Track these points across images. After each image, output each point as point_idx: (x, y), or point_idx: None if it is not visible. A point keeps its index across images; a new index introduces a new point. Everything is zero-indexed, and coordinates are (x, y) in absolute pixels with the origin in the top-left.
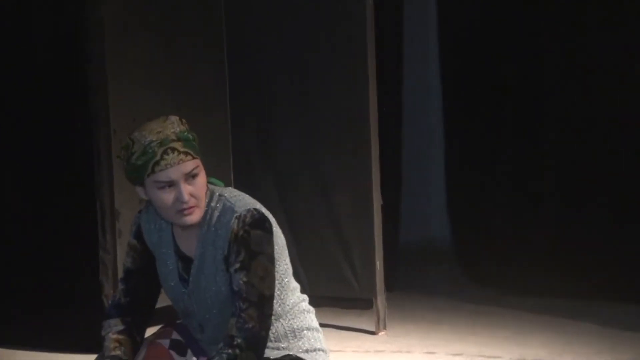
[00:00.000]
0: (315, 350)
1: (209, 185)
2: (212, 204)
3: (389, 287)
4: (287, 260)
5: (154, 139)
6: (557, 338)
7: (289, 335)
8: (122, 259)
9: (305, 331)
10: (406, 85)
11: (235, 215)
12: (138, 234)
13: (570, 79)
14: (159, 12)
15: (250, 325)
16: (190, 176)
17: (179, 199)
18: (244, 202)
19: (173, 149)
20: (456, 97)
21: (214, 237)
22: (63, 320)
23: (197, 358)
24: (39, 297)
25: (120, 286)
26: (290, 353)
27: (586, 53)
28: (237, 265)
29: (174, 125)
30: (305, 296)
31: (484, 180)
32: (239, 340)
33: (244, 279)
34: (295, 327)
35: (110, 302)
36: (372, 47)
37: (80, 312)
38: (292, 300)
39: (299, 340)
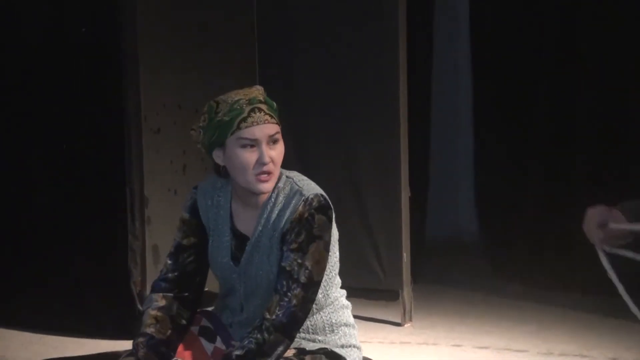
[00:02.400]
0: (350, 346)
1: None
2: (279, 185)
3: (416, 279)
4: (337, 254)
5: (242, 98)
6: (585, 333)
7: (326, 328)
8: (151, 246)
9: (342, 327)
10: (435, 75)
11: (303, 197)
12: (193, 209)
13: (607, 70)
14: None
15: (293, 304)
16: (272, 140)
17: (259, 161)
18: (312, 186)
19: (260, 109)
20: (486, 88)
21: (276, 218)
22: (92, 307)
23: (227, 344)
24: (67, 283)
25: (168, 261)
26: (326, 346)
27: (622, 45)
28: (294, 246)
29: (259, 91)
30: (344, 291)
31: (512, 173)
32: (268, 324)
33: (299, 260)
34: (333, 321)
35: (157, 277)
36: (404, 39)
37: (108, 299)
38: (335, 294)
39: (335, 335)
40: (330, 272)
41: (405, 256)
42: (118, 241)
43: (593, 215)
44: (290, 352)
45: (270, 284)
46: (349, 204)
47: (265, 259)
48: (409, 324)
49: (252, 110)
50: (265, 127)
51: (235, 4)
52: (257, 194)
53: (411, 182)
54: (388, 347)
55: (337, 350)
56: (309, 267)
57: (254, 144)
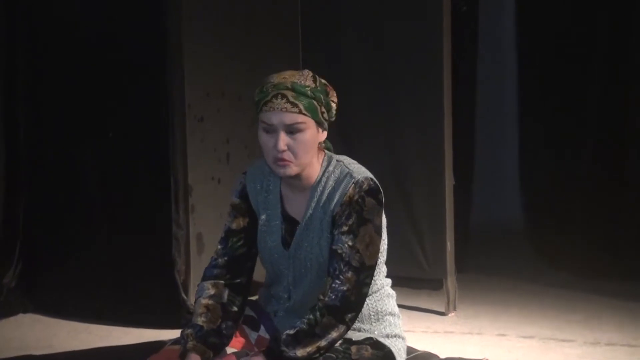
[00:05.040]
0: (395, 336)
1: (327, 152)
2: (330, 169)
3: (460, 268)
4: (385, 242)
5: (273, 81)
6: (633, 323)
7: (372, 317)
8: (195, 235)
9: (387, 316)
10: (480, 62)
11: (353, 180)
12: (242, 194)
13: None
14: None
15: (345, 288)
16: (292, 129)
17: (274, 147)
18: (362, 170)
19: (283, 96)
20: (533, 75)
21: (327, 200)
22: (136, 296)
23: (270, 333)
24: (112, 273)
25: (219, 246)
26: (372, 336)
27: None
28: (345, 228)
29: (300, 77)
30: (389, 280)
31: (558, 160)
32: (321, 305)
33: (349, 243)
34: (379, 309)
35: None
36: (448, 26)
37: (152, 288)
38: (381, 281)
39: (381, 324)
40: (379, 258)
41: (449, 245)
42: (162, 230)
43: None
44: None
45: (319, 269)
46: (392, 193)
47: (315, 242)
48: (453, 313)
49: (275, 95)
50: (283, 115)
51: None
52: (281, 176)
53: (455, 170)
54: (432, 337)
55: (382, 340)
56: (360, 251)
57: (271, 129)
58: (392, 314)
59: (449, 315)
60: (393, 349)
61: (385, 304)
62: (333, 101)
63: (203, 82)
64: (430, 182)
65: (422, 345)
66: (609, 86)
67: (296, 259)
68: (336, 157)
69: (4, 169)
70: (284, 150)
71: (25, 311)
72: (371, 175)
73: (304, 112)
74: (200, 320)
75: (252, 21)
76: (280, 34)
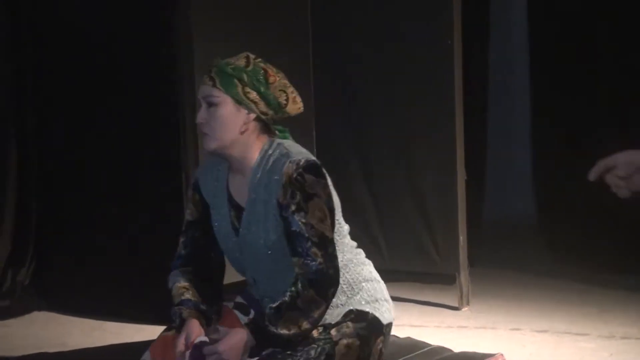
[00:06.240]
0: (376, 300)
1: (270, 138)
2: (270, 151)
3: (472, 263)
4: (341, 220)
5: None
6: None
7: (345, 289)
8: None
9: (363, 283)
10: (491, 59)
11: (290, 159)
12: (196, 186)
13: None
14: None
15: (317, 262)
16: (208, 103)
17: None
18: (301, 150)
19: (209, 72)
20: (544, 70)
21: (267, 182)
22: (150, 293)
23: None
24: (126, 271)
25: (181, 239)
26: (351, 308)
27: None
28: (293, 207)
29: (233, 58)
30: (360, 250)
31: (570, 155)
32: (301, 278)
33: (303, 220)
34: (351, 280)
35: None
36: (459, 23)
37: (166, 285)
38: (347, 256)
39: (357, 294)
40: (335, 237)
41: (462, 239)
42: (175, 227)
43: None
44: (315, 332)
45: (272, 251)
46: (404, 188)
47: (262, 225)
48: (466, 308)
49: (206, 72)
50: (202, 88)
51: None
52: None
53: (467, 165)
54: (445, 331)
55: (363, 307)
56: (315, 226)
57: (200, 103)
58: (367, 280)
59: (463, 309)
60: (376, 313)
61: (358, 273)
62: (282, 90)
63: None
64: (443, 177)
65: (435, 339)
66: (622, 82)
67: (246, 244)
68: (278, 141)
69: (16, 169)
70: (200, 122)
71: (39, 309)
72: (310, 156)
73: (218, 86)
74: (186, 296)
75: (263, 17)
76: (291, 31)
